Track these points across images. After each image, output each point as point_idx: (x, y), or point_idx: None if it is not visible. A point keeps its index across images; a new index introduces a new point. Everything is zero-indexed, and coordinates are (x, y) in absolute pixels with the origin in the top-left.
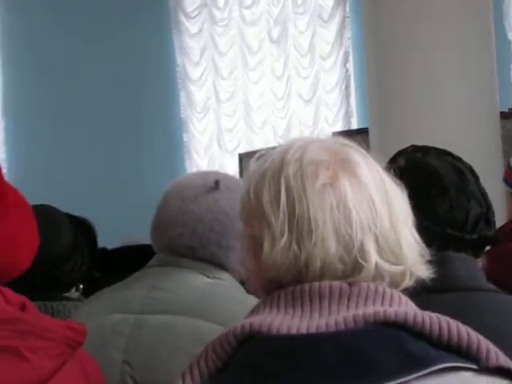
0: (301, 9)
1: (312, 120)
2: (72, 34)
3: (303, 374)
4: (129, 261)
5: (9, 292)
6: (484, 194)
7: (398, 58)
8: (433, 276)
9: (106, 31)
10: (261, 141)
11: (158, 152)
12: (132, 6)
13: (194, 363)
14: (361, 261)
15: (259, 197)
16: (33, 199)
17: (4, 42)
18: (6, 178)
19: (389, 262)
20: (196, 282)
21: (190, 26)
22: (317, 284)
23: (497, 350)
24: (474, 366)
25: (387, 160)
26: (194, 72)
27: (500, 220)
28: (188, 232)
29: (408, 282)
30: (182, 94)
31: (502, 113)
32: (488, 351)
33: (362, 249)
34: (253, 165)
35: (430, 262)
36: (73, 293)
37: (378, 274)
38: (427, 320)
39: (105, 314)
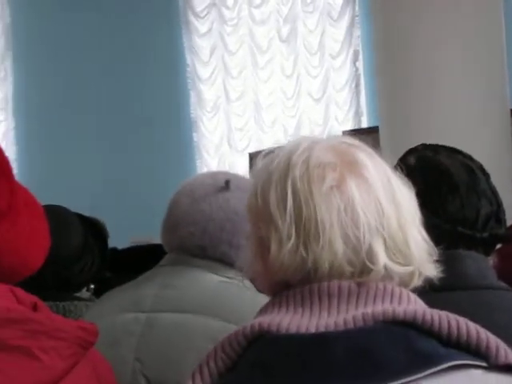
0: (310, 7)
1: (322, 119)
2: (83, 35)
3: (313, 373)
4: (139, 261)
5: (20, 292)
6: (494, 192)
7: (408, 56)
8: (442, 274)
9: (115, 31)
10: (271, 140)
11: (168, 151)
12: (142, 5)
13: (204, 363)
14: (369, 263)
15: (266, 199)
16: (43, 199)
17: (15, 42)
18: (17, 177)
19: (397, 264)
20: (207, 281)
21: (200, 26)
22: (325, 284)
23: (506, 347)
24: (484, 364)
25: (397, 158)
26: (203, 71)
27: (510, 218)
28: (199, 231)
29: (417, 282)
30: (192, 94)
31: None
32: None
33: (370, 251)
34: (259, 162)
35: (439, 260)
36: (84, 293)
37: (387, 275)
38: (436, 318)
39: (116, 313)
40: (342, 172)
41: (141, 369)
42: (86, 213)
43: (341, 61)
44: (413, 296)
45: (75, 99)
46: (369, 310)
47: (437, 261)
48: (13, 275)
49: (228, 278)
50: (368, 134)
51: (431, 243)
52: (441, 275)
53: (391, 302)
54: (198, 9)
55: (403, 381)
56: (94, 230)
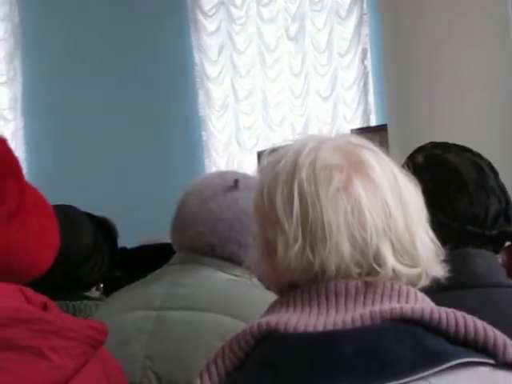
0: (318, 6)
1: (330, 117)
2: (91, 35)
3: (320, 372)
4: (149, 260)
5: (30, 292)
6: (503, 190)
7: (416, 54)
8: (451, 273)
9: (124, 30)
10: (279, 138)
11: (176, 150)
12: (150, 4)
13: (212, 362)
14: (376, 266)
15: (272, 201)
16: (53, 199)
17: (24, 42)
18: (26, 177)
19: (405, 266)
20: (216, 279)
21: (208, 25)
22: (333, 283)
23: None
24: (491, 361)
25: (406, 157)
26: (212, 70)
27: None
28: (208, 230)
29: (424, 282)
30: (201, 93)
31: None
32: (505, 346)
33: (377, 254)
34: (265, 159)
35: (448, 259)
36: (93, 292)
37: (395, 276)
38: (444, 316)
39: (126, 312)
40: (349, 173)
41: (151, 366)
42: (96, 212)
43: (349, 59)
44: (420, 294)
45: (83, 98)
46: (376, 308)
47: (445, 260)
48: (22, 275)
49: (236, 275)
50: (376, 132)
51: (438, 243)
52: (449, 274)
53: (399, 300)
54: (207, 7)
55: (411, 378)
56: (104, 229)
